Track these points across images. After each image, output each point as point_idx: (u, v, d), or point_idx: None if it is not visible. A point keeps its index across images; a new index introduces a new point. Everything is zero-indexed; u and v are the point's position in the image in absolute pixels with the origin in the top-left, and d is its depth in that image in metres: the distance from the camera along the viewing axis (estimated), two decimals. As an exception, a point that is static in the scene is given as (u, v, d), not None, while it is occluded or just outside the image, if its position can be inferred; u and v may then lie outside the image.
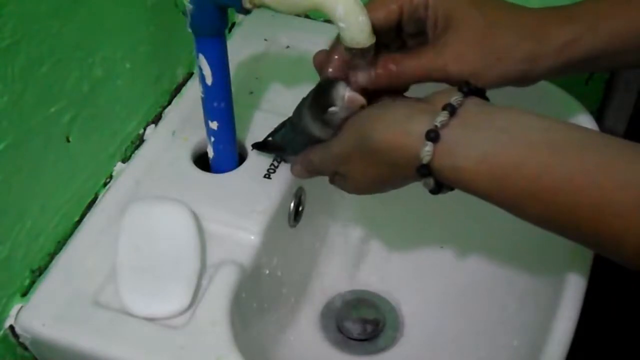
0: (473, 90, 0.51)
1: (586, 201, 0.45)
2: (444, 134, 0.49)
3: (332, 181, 0.61)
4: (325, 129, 0.56)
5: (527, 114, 0.50)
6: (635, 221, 0.44)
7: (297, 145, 0.61)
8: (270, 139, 0.67)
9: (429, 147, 0.49)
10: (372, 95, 0.56)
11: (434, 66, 0.55)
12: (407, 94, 0.58)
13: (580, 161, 0.46)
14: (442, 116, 0.49)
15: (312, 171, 0.61)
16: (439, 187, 0.51)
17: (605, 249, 0.47)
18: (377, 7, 0.56)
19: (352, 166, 0.56)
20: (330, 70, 0.57)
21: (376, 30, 0.55)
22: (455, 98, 0.50)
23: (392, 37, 0.59)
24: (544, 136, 0.48)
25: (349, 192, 0.60)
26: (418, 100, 0.54)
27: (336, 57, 0.57)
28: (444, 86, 0.54)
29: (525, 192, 0.47)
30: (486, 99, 0.53)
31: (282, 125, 0.66)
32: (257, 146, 0.68)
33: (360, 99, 0.54)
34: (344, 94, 0.54)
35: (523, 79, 0.56)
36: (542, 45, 0.55)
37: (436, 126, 0.49)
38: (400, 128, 0.51)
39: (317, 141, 0.58)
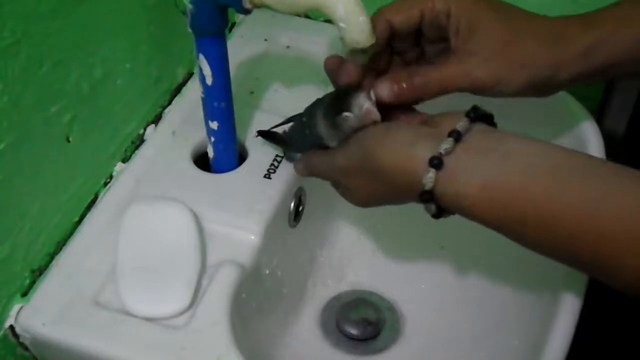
0: (480, 115, 0.51)
1: (587, 229, 0.46)
2: (448, 160, 0.49)
3: (334, 187, 0.61)
4: (332, 132, 0.56)
5: (531, 141, 0.50)
6: (635, 249, 0.44)
7: (303, 143, 0.61)
8: (276, 130, 0.67)
9: (431, 173, 0.49)
10: (386, 109, 0.56)
11: (459, 74, 0.55)
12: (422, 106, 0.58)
13: (582, 189, 0.46)
14: (447, 143, 0.49)
15: (313, 174, 0.62)
16: (440, 212, 0.51)
17: (605, 277, 0.47)
18: (397, 11, 0.56)
19: (353, 180, 0.56)
20: (345, 77, 0.57)
21: (395, 34, 0.55)
22: (461, 124, 0.50)
23: (410, 44, 0.59)
24: (547, 163, 0.48)
25: (349, 202, 0.60)
26: (426, 121, 0.54)
27: (354, 64, 0.56)
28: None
29: (525, 219, 0.48)
30: (494, 124, 0.53)
31: (290, 120, 0.65)
32: (262, 133, 0.68)
33: (376, 115, 0.54)
34: (363, 104, 0.54)
35: (547, 86, 0.57)
36: (565, 50, 0.55)
37: (440, 153, 0.49)
38: (405, 151, 0.51)
39: (322, 145, 0.58)
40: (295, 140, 0.63)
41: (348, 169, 0.56)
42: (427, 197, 0.50)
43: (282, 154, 0.68)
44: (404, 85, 0.56)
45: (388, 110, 0.57)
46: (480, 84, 0.55)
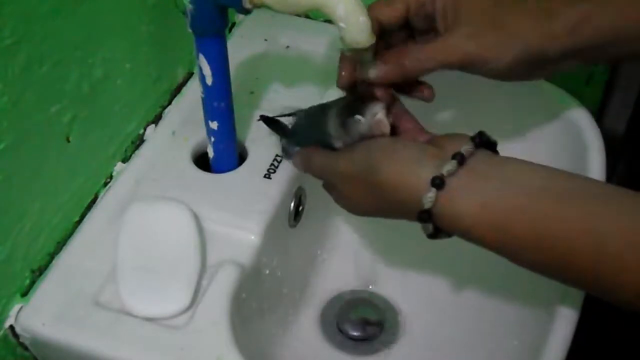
0: (485, 142, 0.52)
1: (586, 246, 0.46)
2: (450, 181, 0.49)
3: (327, 189, 0.61)
4: (341, 132, 0.56)
5: (532, 164, 0.50)
6: (634, 265, 0.44)
7: (306, 137, 0.61)
8: (281, 119, 0.67)
9: (432, 193, 0.49)
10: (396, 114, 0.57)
11: (449, 49, 0.55)
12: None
13: (581, 209, 0.47)
14: (450, 165, 0.49)
15: (308, 170, 0.61)
16: (437, 232, 0.52)
17: (605, 294, 0.47)
18: (382, 6, 0.56)
19: (351, 188, 0.56)
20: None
21: (383, 29, 0.55)
22: (466, 147, 0.50)
23: (401, 37, 0.59)
24: (546, 185, 0.49)
25: (341, 207, 0.60)
26: (431, 141, 0.54)
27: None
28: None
29: (525, 238, 0.48)
30: (496, 152, 0.53)
31: (294, 113, 0.65)
32: (265, 119, 0.68)
33: (386, 127, 0.54)
34: (377, 113, 0.54)
35: (537, 63, 0.56)
36: (553, 24, 0.55)
37: (442, 174, 0.49)
38: (409, 169, 0.51)
39: (326, 143, 0.58)
40: (299, 132, 0.63)
41: (349, 175, 0.56)
42: (425, 216, 0.50)
43: (282, 154, 0.68)
44: (394, 64, 0.55)
45: (396, 123, 0.57)
46: (471, 59, 0.55)
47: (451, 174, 0.49)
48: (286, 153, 0.67)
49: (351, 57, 0.57)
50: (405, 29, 0.59)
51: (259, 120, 0.69)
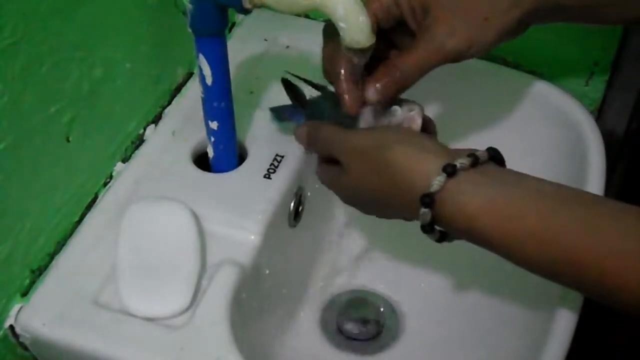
0: (497, 157, 0.52)
1: (590, 245, 0.46)
2: (461, 175, 0.49)
3: (323, 172, 0.60)
4: (369, 116, 0.57)
5: (539, 177, 0.51)
6: (637, 267, 0.44)
7: (322, 112, 0.61)
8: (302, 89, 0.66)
9: (441, 177, 0.49)
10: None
11: (431, 53, 0.55)
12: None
13: (587, 211, 0.47)
14: (464, 160, 0.50)
15: (313, 143, 0.60)
16: (432, 224, 0.52)
17: (606, 295, 0.47)
18: None
19: (357, 163, 0.55)
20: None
21: None
22: (480, 152, 0.51)
23: (383, 48, 0.59)
24: (555, 190, 0.49)
25: (337, 190, 0.59)
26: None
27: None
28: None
29: (529, 233, 0.48)
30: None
31: (322, 87, 0.64)
32: (286, 82, 0.67)
33: (418, 125, 0.56)
34: (413, 108, 0.56)
35: (516, 29, 0.57)
36: None
37: (455, 164, 0.49)
38: (422, 155, 0.52)
39: (346, 124, 0.58)
40: (317, 107, 0.62)
41: (357, 150, 0.55)
42: (427, 200, 0.50)
43: (282, 154, 0.68)
44: (386, 81, 0.56)
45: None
46: (455, 54, 0.56)
47: (463, 168, 0.50)
48: (278, 117, 0.67)
49: (351, 79, 0.57)
50: (384, 39, 0.59)
51: (282, 77, 0.67)
